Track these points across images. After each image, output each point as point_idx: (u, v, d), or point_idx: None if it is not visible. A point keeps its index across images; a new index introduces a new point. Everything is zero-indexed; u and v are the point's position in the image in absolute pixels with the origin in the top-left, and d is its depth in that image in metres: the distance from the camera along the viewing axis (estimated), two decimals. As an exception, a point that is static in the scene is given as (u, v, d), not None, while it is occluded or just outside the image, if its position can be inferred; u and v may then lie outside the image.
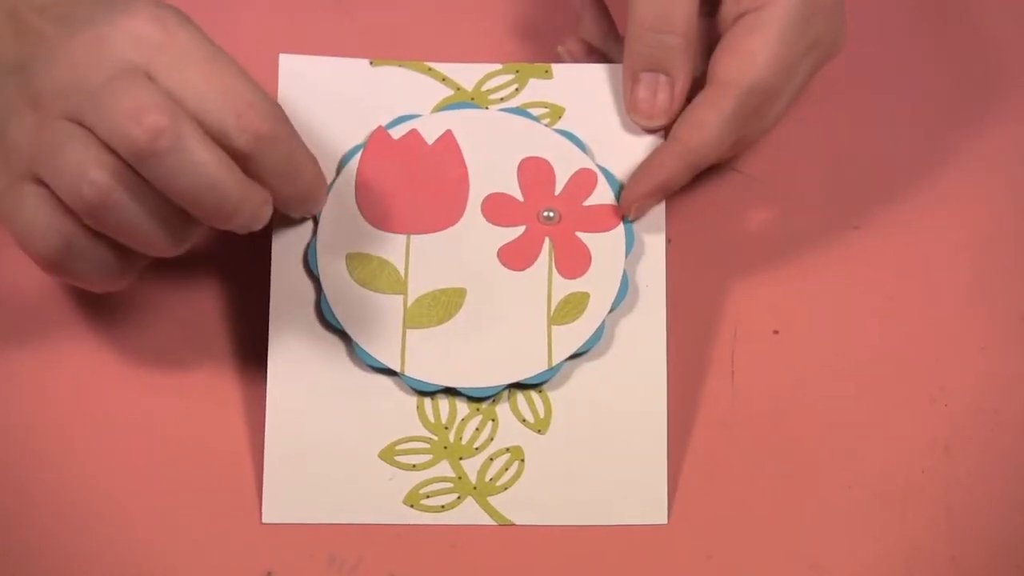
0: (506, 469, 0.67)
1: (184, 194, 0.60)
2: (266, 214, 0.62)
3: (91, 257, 0.62)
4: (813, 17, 0.68)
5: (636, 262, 0.69)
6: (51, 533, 0.67)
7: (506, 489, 0.67)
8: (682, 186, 0.69)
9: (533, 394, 0.68)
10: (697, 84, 0.70)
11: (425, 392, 0.68)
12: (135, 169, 0.59)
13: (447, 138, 0.70)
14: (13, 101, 0.61)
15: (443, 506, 0.67)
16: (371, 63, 0.71)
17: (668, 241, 0.70)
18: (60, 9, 0.62)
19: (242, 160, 0.61)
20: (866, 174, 0.73)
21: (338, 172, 0.69)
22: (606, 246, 0.69)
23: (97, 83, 0.59)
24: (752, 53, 0.67)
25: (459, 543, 0.67)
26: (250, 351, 0.69)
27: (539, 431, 0.68)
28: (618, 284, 0.68)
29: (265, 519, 0.67)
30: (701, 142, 0.68)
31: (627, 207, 0.69)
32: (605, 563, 0.67)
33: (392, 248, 0.68)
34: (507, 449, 0.68)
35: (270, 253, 0.68)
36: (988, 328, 0.71)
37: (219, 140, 0.60)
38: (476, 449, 0.68)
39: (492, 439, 0.68)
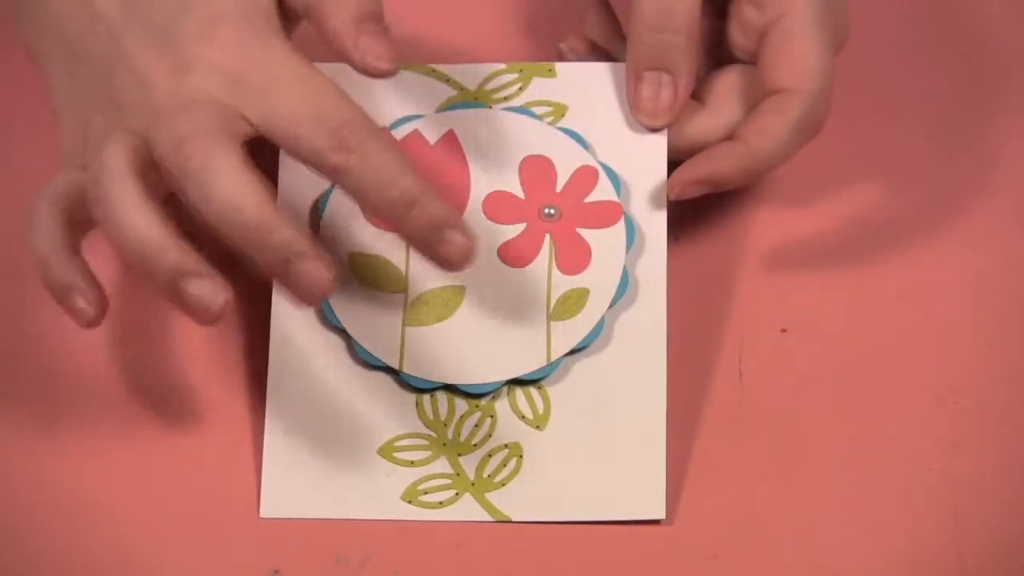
0: (504, 465, 0.67)
1: (209, 217, 0.61)
2: (313, 267, 0.61)
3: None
4: (831, 16, 0.68)
5: (637, 257, 0.69)
6: (56, 531, 0.67)
7: (504, 485, 0.67)
8: (733, 188, 0.69)
9: (532, 390, 0.68)
10: (700, 84, 0.70)
11: (424, 389, 0.67)
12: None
13: (449, 138, 0.70)
14: (98, 99, 0.63)
15: (440, 502, 0.67)
16: (376, 65, 0.72)
17: (675, 239, 0.70)
18: None
19: (338, 176, 0.61)
20: (872, 173, 0.73)
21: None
22: (607, 242, 0.68)
23: (166, 108, 0.61)
24: (804, 59, 0.67)
25: (464, 542, 0.67)
26: (251, 350, 0.69)
27: (538, 427, 0.67)
28: (618, 279, 0.68)
29: (263, 514, 0.67)
30: (766, 147, 0.67)
31: (671, 186, 0.68)
32: (611, 563, 0.66)
33: (393, 247, 0.69)
34: (505, 445, 0.67)
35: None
36: (995, 326, 0.70)
37: (314, 160, 0.61)
38: (474, 446, 0.67)
39: (490, 435, 0.67)
